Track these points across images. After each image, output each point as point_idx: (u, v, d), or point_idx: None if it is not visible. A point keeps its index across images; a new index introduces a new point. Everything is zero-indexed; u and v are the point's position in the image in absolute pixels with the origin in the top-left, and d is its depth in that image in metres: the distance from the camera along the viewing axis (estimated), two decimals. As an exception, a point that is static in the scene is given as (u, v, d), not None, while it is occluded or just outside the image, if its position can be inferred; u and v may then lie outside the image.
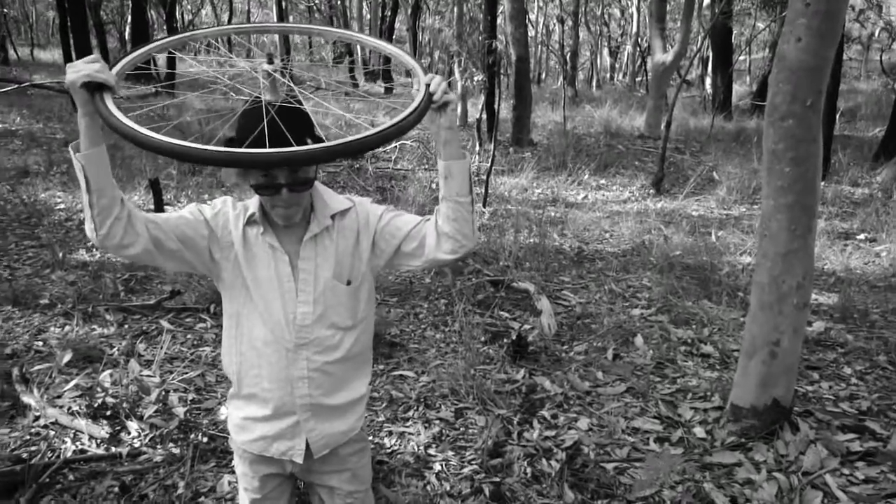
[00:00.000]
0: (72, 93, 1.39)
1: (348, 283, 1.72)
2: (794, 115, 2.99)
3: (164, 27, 21.83)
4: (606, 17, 33.42)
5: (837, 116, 11.51)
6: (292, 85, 1.65)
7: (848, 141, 12.10)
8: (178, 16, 24.73)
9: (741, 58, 25.89)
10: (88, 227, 1.51)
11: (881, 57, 24.65)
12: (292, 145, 1.46)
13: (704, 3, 17.11)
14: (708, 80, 19.39)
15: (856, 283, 5.54)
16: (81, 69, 1.38)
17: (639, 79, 27.70)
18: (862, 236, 6.97)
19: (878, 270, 5.90)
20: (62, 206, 6.93)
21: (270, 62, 1.64)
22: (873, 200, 8.25)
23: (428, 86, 1.53)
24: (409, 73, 1.91)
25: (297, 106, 1.59)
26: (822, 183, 8.73)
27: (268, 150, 1.33)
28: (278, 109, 1.52)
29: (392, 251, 1.72)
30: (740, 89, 22.77)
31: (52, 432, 3.14)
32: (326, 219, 1.70)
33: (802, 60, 2.94)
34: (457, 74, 12.29)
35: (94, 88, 1.39)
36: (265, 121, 1.50)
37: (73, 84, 1.38)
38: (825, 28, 2.89)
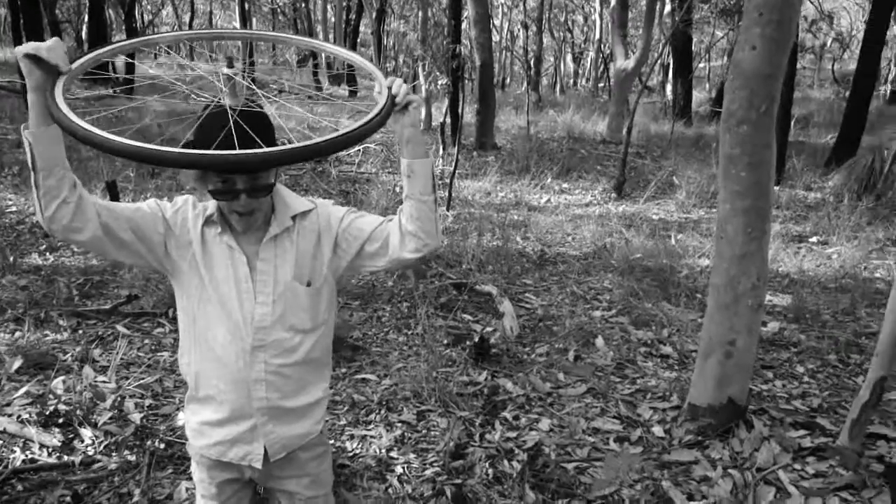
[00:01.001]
0: (20, 62, 1.40)
1: (308, 284, 1.70)
2: (749, 121, 3.06)
3: (123, 27, 21.38)
4: (570, 23, 33.84)
5: (792, 123, 11.83)
6: (255, 88, 1.64)
7: (801, 147, 12.45)
8: (137, 16, 24.23)
9: (701, 65, 26.48)
10: (36, 210, 1.50)
11: (833, 66, 25.47)
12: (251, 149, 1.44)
13: (665, 11, 17.45)
14: (668, 87, 19.77)
15: (808, 285, 5.70)
16: (31, 43, 1.40)
17: (601, 84, 28.10)
18: (814, 239, 7.18)
19: (830, 272, 6.08)
20: (14, 208, 6.72)
21: (231, 66, 1.62)
22: (825, 205, 8.50)
23: (390, 88, 1.54)
24: (372, 77, 1.88)
25: (258, 110, 1.57)
26: (777, 187, 8.98)
27: (225, 151, 1.31)
28: (239, 113, 1.50)
29: (354, 252, 1.71)
30: (700, 96, 23.26)
31: (0, 441, 3.04)
32: (287, 219, 1.68)
33: (757, 68, 3.02)
34: (421, 78, 12.31)
35: (47, 71, 1.39)
36: (230, 124, 1.47)
37: (18, 53, 1.39)
38: (778, 36, 2.98)
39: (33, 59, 1.38)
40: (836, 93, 20.94)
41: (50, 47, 1.40)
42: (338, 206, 1.78)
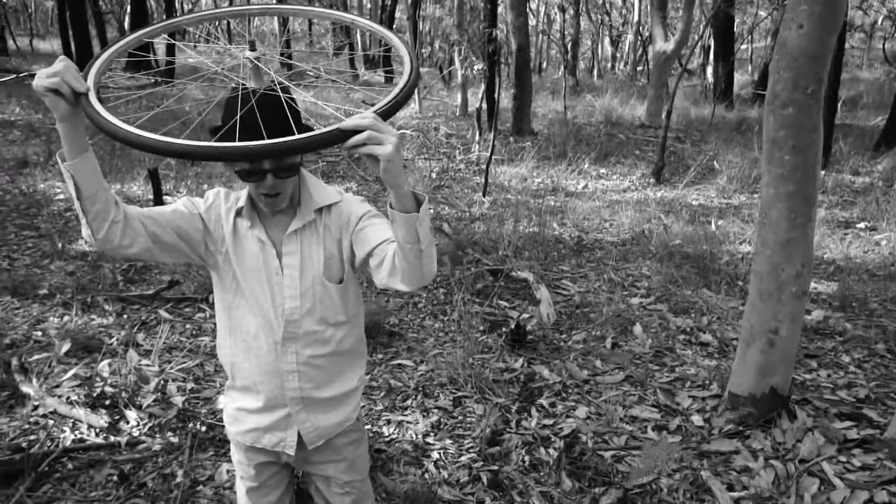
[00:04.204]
0: (41, 97, 1.35)
1: (340, 281, 1.70)
2: (794, 102, 2.97)
3: (164, 16, 21.72)
4: (608, 5, 33.21)
5: (839, 105, 11.45)
6: (287, 66, 1.63)
7: (849, 130, 12.05)
8: (178, 4, 24.61)
9: (743, 46, 25.77)
10: (85, 233, 1.50)
11: (884, 45, 24.52)
12: (274, 133, 1.44)
13: (706, -8, 17.02)
14: (709, 69, 19.31)
15: (855, 272, 5.53)
16: (43, 75, 1.33)
17: (640, 68, 27.57)
18: (862, 225, 6.96)
19: (878, 259, 5.89)
20: (61, 196, 6.92)
21: (253, 49, 1.62)
22: (874, 189, 8.23)
23: (348, 132, 1.32)
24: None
25: (277, 94, 1.56)
26: (823, 172, 8.72)
27: (246, 143, 1.29)
28: (261, 97, 1.50)
29: (361, 258, 1.66)
30: (742, 78, 22.66)
31: (51, 421, 3.15)
32: (310, 213, 1.68)
33: (804, 47, 2.91)
34: (457, 63, 12.25)
35: (70, 101, 1.35)
36: (251, 107, 1.48)
37: (37, 89, 1.33)
38: (827, 14, 2.87)
39: (54, 92, 1.32)
40: (887, 73, 20.17)
41: (61, 73, 1.32)
42: (363, 204, 1.73)
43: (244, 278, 1.67)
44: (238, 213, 1.68)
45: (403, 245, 1.44)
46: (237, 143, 1.30)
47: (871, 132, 11.86)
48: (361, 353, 1.85)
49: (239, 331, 1.70)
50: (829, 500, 2.72)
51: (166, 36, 1.76)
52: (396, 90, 1.43)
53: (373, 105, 1.39)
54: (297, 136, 1.31)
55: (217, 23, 1.86)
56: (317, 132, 1.33)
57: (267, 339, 1.68)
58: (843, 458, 2.97)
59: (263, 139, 1.31)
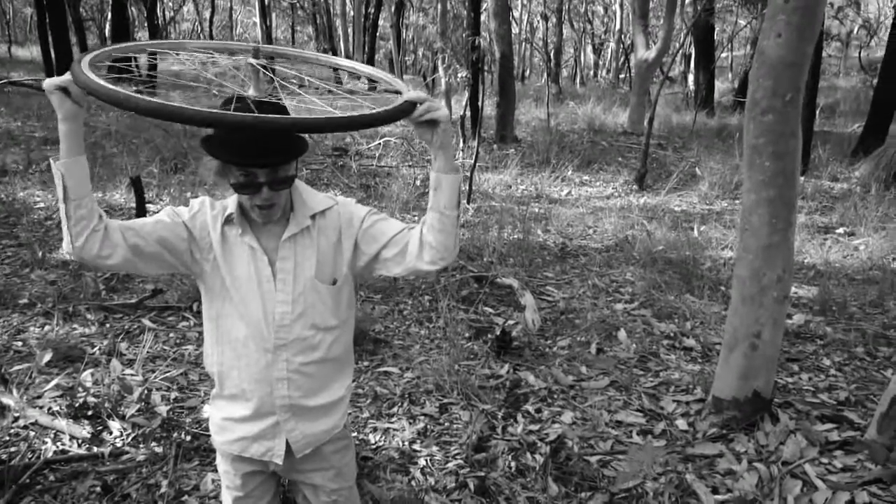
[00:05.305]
0: (48, 96, 1.46)
1: (333, 282, 1.71)
2: (774, 110, 3.02)
3: (145, 24, 21.60)
4: (590, 14, 33.51)
5: (817, 112, 11.62)
6: (275, 79, 1.64)
7: (827, 137, 12.24)
8: (158, 13, 24.45)
9: (723, 55, 26.11)
10: (66, 240, 1.52)
11: (860, 54, 24.99)
12: (272, 142, 1.45)
13: (687, 0, 17.24)
14: (690, 77, 19.55)
15: (835, 277, 5.61)
16: (58, 78, 1.46)
17: (622, 75, 27.84)
18: (841, 230, 7.06)
19: (857, 264, 5.98)
20: (41, 204, 6.84)
21: (256, 56, 1.62)
22: (852, 195, 8.35)
23: (414, 104, 1.51)
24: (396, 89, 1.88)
25: (278, 101, 1.57)
26: (802, 178, 8.84)
27: (243, 114, 1.33)
28: (259, 105, 1.51)
29: (372, 254, 1.70)
30: (722, 86, 22.95)
31: (32, 433, 3.10)
32: (306, 219, 1.68)
33: (782, 56, 2.97)
34: (441, 71, 12.28)
35: (76, 101, 1.45)
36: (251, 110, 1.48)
37: (47, 88, 1.45)
38: (804, 24, 2.93)
39: (63, 91, 1.44)
40: (863, 81, 20.53)
41: (71, 81, 1.45)
42: (360, 205, 1.77)
43: (234, 286, 1.67)
44: (227, 221, 1.67)
45: (444, 212, 1.59)
46: (335, 115, 1.39)
47: (848, 139, 12.06)
48: (349, 361, 1.86)
49: (228, 338, 1.70)
50: (811, 501, 2.76)
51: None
52: (383, 108, 1.49)
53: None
54: (382, 108, 1.45)
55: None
56: (393, 105, 1.49)
57: (257, 346, 1.67)
58: (824, 460, 3.01)
59: (261, 148, 1.34)
